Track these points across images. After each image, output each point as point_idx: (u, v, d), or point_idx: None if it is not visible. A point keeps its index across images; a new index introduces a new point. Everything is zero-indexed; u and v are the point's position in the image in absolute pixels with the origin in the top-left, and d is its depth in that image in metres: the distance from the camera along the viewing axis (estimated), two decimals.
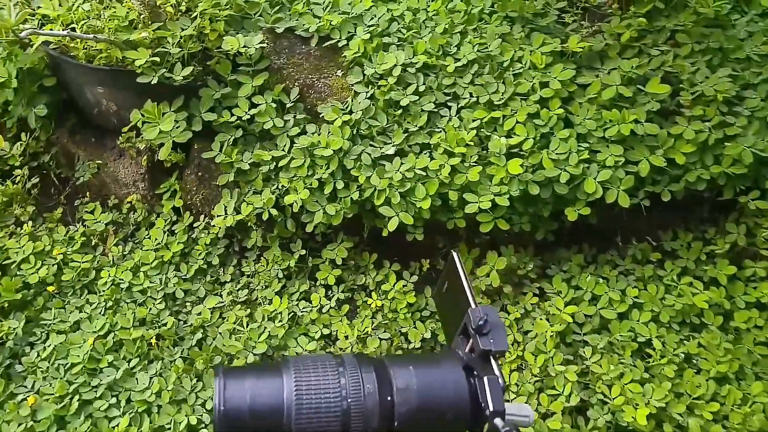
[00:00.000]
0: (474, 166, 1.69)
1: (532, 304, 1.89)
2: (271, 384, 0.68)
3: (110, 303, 1.75)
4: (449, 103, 1.80)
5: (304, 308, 1.81)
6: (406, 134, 1.74)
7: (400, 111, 1.75)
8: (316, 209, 1.71)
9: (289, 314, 1.76)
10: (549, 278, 1.93)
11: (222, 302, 1.80)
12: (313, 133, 1.75)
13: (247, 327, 1.72)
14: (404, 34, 1.87)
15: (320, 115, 1.78)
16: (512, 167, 1.66)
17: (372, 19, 1.89)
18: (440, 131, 1.75)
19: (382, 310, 1.84)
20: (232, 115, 1.77)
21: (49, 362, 1.59)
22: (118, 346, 1.65)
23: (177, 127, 1.73)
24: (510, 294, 1.90)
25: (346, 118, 1.73)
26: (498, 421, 0.68)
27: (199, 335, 1.72)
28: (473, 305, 0.76)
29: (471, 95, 1.78)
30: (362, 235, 1.91)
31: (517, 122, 1.72)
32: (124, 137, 1.81)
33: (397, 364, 0.72)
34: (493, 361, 0.73)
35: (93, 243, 1.93)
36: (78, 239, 1.90)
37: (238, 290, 1.85)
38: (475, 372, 0.70)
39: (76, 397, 1.52)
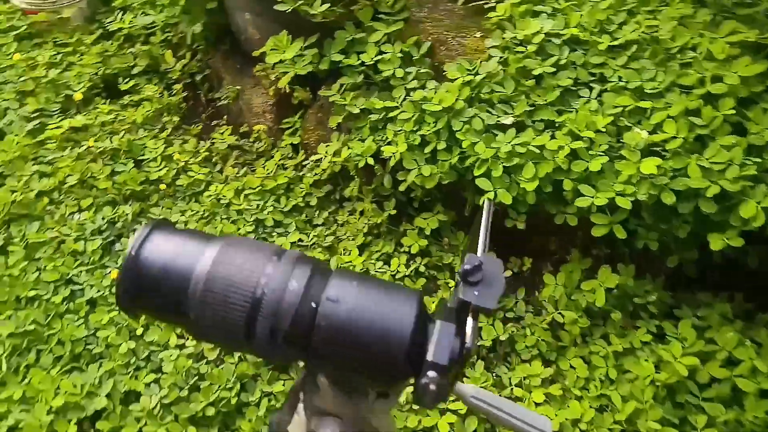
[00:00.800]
0: (600, 156, 1.44)
1: (642, 342, 1.57)
2: (194, 248, 0.58)
3: (207, 214, 1.83)
4: (592, 84, 1.56)
5: (379, 268, 1.71)
6: (531, 108, 1.54)
7: (531, 81, 1.56)
8: (413, 167, 1.60)
9: (362, 270, 1.68)
10: (675, 320, 1.59)
11: (303, 241, 1.78)
12: (431, 89, 1.63)
13: None
14: (561, 4, 1.66)
15: (443, 73, 1.66)
16: (646, 166, 1.38)
17: None
18: (571, 111, 1.52)
19: None
20: (359, 59, 1.73)
21: None
22: None
23: (302, 60, 1.74)
24: (617, 322, 1.60)
25: (469, 78, 1.59)
26: (432, 374, 0.52)
27: None
28: (478, 253, 0.61)
29: (620, 79, 1.52)
30: (463, 213, 1.75)
31: (669, 117, 1.43)
32: (260, 66, 1.88)
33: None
34: (470, 318, 0.56)
35: (214, 160, 2.04)
36: (202, 154, 2.03)
37: (325, 235, 1.81)
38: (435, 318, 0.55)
39: None
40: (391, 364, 0.54)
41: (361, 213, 1.82)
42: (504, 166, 1.48)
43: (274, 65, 1.76)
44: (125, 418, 1.41)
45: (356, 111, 1.71)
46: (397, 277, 1.70)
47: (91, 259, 1.70)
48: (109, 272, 1.67)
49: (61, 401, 1.40)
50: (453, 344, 0.53)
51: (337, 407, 0.64)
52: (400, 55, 1.70)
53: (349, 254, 1.73)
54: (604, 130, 1.46)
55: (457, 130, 1.54)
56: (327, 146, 1.78)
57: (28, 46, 2.34)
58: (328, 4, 1.70)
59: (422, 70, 1.68)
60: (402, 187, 1.65)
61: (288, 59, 1.72)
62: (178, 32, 2.14)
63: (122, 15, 2.22)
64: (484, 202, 0.70)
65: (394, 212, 1.77)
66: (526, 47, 1.59)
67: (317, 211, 1.89)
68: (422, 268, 1.74)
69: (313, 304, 0.54)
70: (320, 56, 1.77)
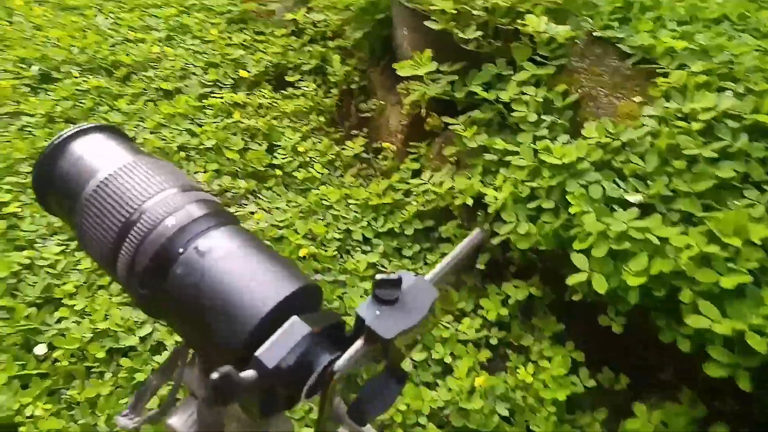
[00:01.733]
0: (742, 273, 1.10)
1: None
2: (113, 155, 0.55)
3: (307, 209, 1.82)
4: (765, 186, 1.23)
5: (447, 322, 1.53)
6: (670, 193, 1.26)
7: (681, 163, 1.28)
8: (511, 220, 1.40)
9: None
10: None
11: (384, 267, 1.67)
12: (560, 143, 1.43)
13: None
14: (758, 85, 1.35)
15: (581, 130, 1.44)
16: None
17: (722, 56, 1.43)
18: (722, 211, 1.21)
19: (525, 386, 1.41)
20: (497, 95, 1.59)
21: None
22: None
23: (437, 82, 1.65)
24: None
25: (606, 141, 1.36)
26: (249, 373, 0.42)
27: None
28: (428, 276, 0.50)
29: None
30: (562, 295, 1.49)
31: None
32: (403, 85, 1.84)
33: (228, 233, 0.50)
34: (360, 340, 0.45)
35: (337, 165, 2.04)
36: (329, 156, 2.04)
37: (408, 269, 1.68)
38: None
39: None
40: (228, 344, 0.44)
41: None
42: (611, 248, 1.22)
43: (407, 79, 1.71)
44: (147, 364, 1.42)
45: (474, 146, 1.57)
46: (460, 338, 1.50)
47: None
48: None
49: (105, 326, 1.46)
50: (301, 350, 0.42)
51: (199, 390, 0.56)
52: (540, 99, 1.52)
53: None
54: (759, 243, 1.13)
55: (570, 192, 1.32)
56: (432, 175, 1.66)
57: (235, 29, 2.62)
58: (482, 33, 1.60)
59: (559, 121, 1.49)
60: (495, 241, 1.46)
61: (423, 75, 1.64)
62: (351, 39, 2.21)
63: (306, 12, 2.36)
64: (474, 229, 0.57)
65: (482, 267, 1.58)
66: (689, 123, 1.31)
67: (410, 243, 1.77)
68: (494, 341, 1.52)
69: (181, 249, 0.48)
70: (461, 84, 1.67)
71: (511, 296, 1.54)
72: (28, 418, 1.29)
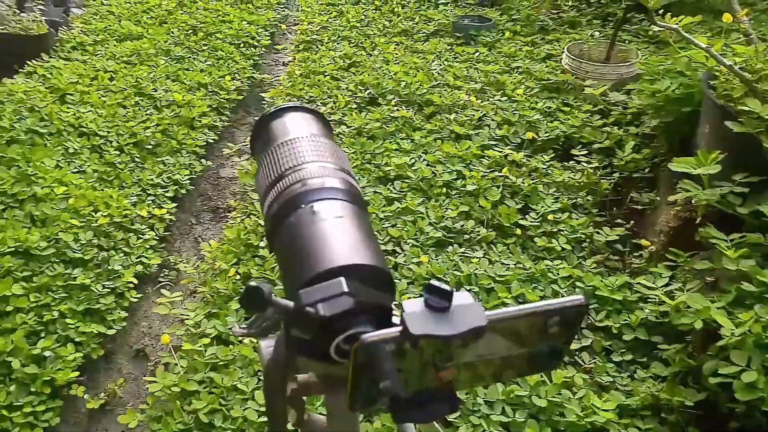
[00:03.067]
0: None
1: None
2: (301, 125, 0.69)
3: (530, 275, 1.78)
4: None
5: None
6: None
7: None
8: (740, 363, 1.13)
9: None
10: None
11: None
12: None
13: None
14: None
15: None
16: None
17: None
18: None
19: None
20: None
21: None
22: None
23: (717, 190, 1.43)
24: None
25: None
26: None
27: None
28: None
29: None
30: None
31: None
32: (683, 183, 1.64)
33: (347, 208, 0.59)
34: (397, 314, 0.49)
35: (585, 246, 1.93)
36: (579, 234, 1.94)
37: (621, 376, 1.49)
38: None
39: None
40: (293, 284, 0.51)
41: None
42: None
43: (689, 178, 1.52)
44: None
45: (733, 269, 1.31)
46: None
47: None
48: None
49: None
50: (338, 307, 0.48)
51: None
52: None
53: None
54: None
55: None
56: (667, 290, 1.43)
57: (544, 95, 2.71)
58: None
59: None
60: (712, 380, 1.19)
61: (700, 174, 1.45)
62: (648, 127, 2.07)
63: (608, 90, 2.29)
64: (577, 295, 0.53)
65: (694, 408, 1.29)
66: None
67: (624, 349, 1.56)
68: None
69: (303, 205, 0.57)
70: (754, 202, 1.42)
71: None
72: None
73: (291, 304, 0.48)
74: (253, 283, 0.48)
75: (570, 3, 3.69)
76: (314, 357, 0.51)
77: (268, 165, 0.63)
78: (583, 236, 1.96)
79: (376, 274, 0.52)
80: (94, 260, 1.89)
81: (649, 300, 1.62)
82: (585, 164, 2.24)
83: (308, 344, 0.49)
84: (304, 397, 0.63)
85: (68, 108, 2.50)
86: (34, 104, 2.41)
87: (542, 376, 1.43)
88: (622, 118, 2.38)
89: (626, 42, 3.06)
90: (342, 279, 0.48)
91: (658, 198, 1.90)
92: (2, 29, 2.73)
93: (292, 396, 0.60)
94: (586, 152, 2.31)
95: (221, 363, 1.53)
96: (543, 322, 0.48)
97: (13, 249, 1.81)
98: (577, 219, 2.03)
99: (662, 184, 1.97)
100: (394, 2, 4.03)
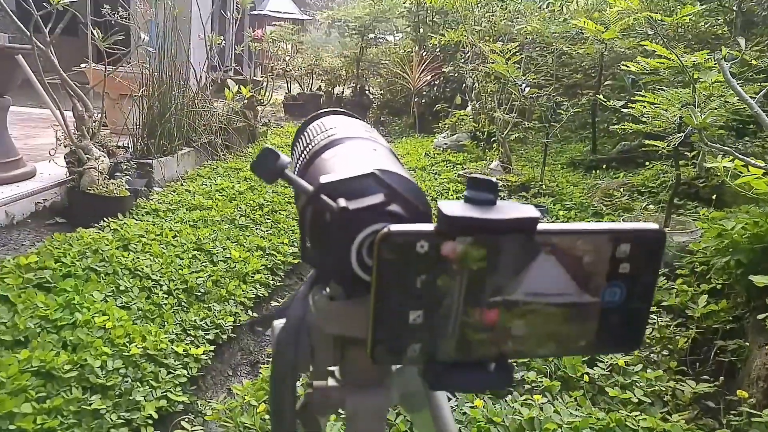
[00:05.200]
0: None
1: None
2: (341, 125, 0.67)
3: (603, 426, 1.49)
4: None
5: None
6: None
7: None
8: None
9: None
10: None
11: None
12: None
13: None
14: None
15: None
16: None
17: None
18: None
19: None
20: None
21: None
22: None
23: None
24: None
25: None
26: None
27: None
28: None
29: None
30: None
31: None
32: None
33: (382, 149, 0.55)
34: None
35: (667, 400, 1.64)
36: (657, 387, 1.67)
37: None
38: None
39: None
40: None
41: None
42: None
43: None
44: None
45: None
46: None
47: None
48: None
49: None
50: (364, 203, 0.42)
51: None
52: None
53: None
54: None
55: None
56: None
57: None
58: None
59: None
60: None
61: None
62: (721, 277, 1.90)
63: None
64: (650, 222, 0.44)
65: None
66: None
67: None
68: None
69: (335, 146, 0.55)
70: None
71: None
72: None
73: (305, 184, 0.42)
74: (269, 146, 0.43)
75: (622, 190, 3.76)
76: (335, 278, 0.44)
77: (302, 147, 0.59)
78: (663, 389, 1.68)
79: (412, 190, 0.44)
80: (116, 389, 1.75)
81: None
82: (661, 323, 2.03)
83: (327, 253, 0.42)
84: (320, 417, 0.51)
85: (129, 254, 2.59)
86: (99, 247, 2.52)
87: None
88: (693, 276, 2.21)
89: (680, 213, 3.01)
90: (373, 171, 0.42)
91: (747, 344, 1.64)
92: (90, 190, 3.01)
93: (305, 411, 0.49)
94: (654, 309, 2.12)
95: None
96: (611, 248, 0.38)
97: (36, 369, 1.72)
98: (652, 371, 1.76)
99: (749, 331, 1.73)
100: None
